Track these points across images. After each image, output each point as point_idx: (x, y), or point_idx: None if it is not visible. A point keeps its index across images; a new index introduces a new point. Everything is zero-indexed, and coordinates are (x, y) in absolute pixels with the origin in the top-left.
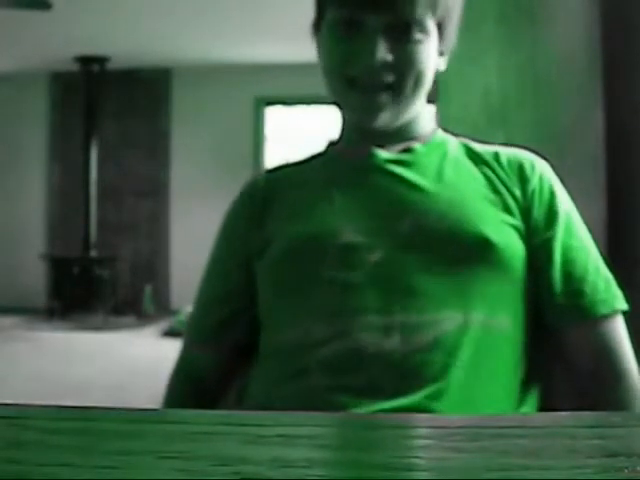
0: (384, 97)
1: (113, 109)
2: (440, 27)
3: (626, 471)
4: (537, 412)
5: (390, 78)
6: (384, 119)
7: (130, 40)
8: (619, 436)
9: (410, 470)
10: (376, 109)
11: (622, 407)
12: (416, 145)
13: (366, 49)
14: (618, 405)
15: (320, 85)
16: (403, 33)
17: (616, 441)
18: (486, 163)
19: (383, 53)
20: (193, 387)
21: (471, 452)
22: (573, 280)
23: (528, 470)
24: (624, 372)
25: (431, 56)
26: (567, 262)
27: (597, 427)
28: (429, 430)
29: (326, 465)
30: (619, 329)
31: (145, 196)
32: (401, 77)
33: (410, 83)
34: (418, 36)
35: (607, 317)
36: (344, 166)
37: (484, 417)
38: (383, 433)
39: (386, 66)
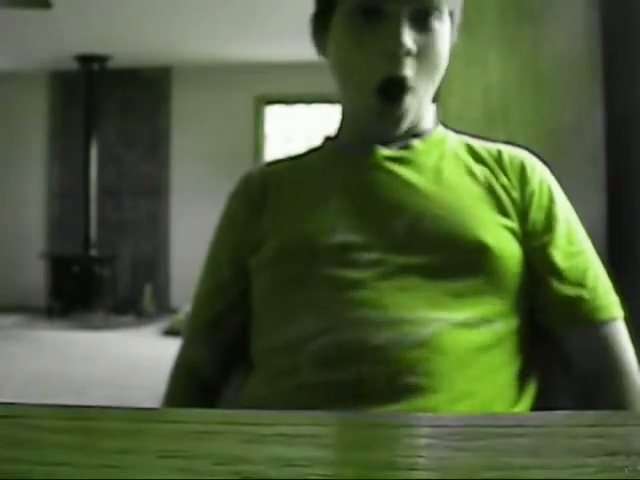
0: (407, 102)
1: (113, 108)
2: (451, 16)
3: (626, 470)
4: (536, 411)
5: (411, 72)
6: (405, 126)
7: (130, 39)
8: (619, 435)
9: (411, 469)
10: (401, 117)
11: (622, 407)
12: (415, 142)
13: (390, 36)
14: (618, 405)
15: (320, 84)
16: (423, 21)
17: (616, 440)
18: (485, 163)
19: (408, 40)
20: (192, 382)
21: (472, 451)
22: (572, 286)
23: (528, 469)
24: (623, 372)
25: (447, 46)
26: (566, 268)
27: (597, 426)
28: (430, 429)
29: (327, 464)
30: (619, 334)
31: (145, 195)
32: (421, 71)
33: (429, 79)
34: (437, 25)
35: (606, 323)
36: (342, 163)
37: (485, 416)
38: (384, 432)
39: (409, 55)
